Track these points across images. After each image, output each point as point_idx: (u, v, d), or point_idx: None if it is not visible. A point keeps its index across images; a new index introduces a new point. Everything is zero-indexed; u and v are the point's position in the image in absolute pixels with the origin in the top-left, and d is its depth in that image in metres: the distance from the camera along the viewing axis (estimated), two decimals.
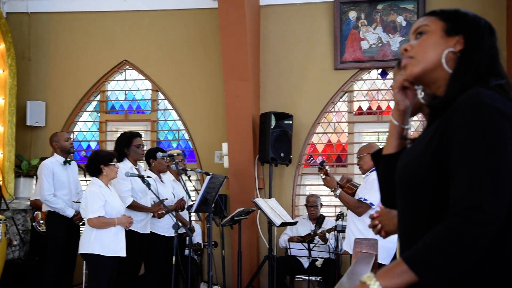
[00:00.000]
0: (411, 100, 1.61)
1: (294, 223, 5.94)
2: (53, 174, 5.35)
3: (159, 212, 5.20)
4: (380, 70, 6.67)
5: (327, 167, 4.66)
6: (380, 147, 5.49)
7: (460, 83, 1.45)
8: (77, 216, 5.31)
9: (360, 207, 4.53)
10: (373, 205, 4.49)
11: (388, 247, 3.81)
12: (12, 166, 6.62)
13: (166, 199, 5.12)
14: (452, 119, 1.37)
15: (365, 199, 4.50)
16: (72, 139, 6.03)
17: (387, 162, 1.67)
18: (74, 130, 7.29)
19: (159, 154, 5.24)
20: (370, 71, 6.68)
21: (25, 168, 6.76)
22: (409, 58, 1.53)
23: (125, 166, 5.08)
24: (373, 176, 4.58)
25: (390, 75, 6.56)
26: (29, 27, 7.17)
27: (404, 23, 6.46)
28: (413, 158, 1.47)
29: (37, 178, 5.95)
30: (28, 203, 6.38)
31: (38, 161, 6.61)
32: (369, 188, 4.51)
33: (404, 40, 6.44)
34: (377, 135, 6.70)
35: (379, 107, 6.66)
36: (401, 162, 1.53)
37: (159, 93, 7.13)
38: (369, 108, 6.71)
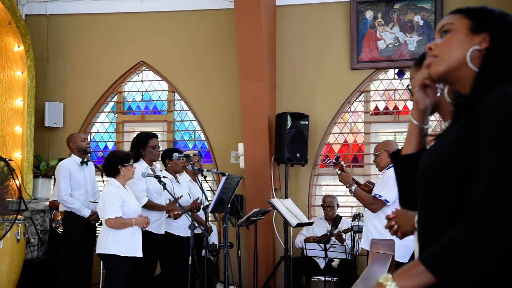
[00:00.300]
0: (431, 99, 1.58)
1: (310, 224, 5.93)
2: (70, 175, 5.40)
3: (175, 213, 5.22)
4: (397, 70, 6.63)
5: (342, 163, 4.63)
6: (397, 143, 5.39)
7: (485, 82, 1.42)
8: (93, 216, 5.36)
9: (374, 204, 4.51)
10: (388, 202, 4.47)
11: (406, 245, 3.78)
12: (31, 166, 6.70)
13: (181, 196, 5.13)
14: (479, 118, 1.34)
15: (380, 196, 4.48)
16: (89, 140, 6.07)
17: (406, 163, 1.64)
18: (91, 131, 7.35)
19: (175, 154, 5.26)
20: (387, 71, 6.64)
21: (44, 168, 6.84)
22: (433, 57, 1.50)
23: (141, 166, 5.11)
24: (389, 173, 4.56)
25: (407, 75, 6.51)
26: (48, 29, 7.25)
27: (421, 23, 6.41)
28: (436, 156, 1.45)
29: (55, 178, 6.01)
30: (47, 203, 6.44)
31: (56, 161, 6.67)
32: (384, 185, 4.50)
33: (421, 40, 6.39)
34: (394, 135, 6.64)
35: (395, 107, 6.61)
36: (423, 161, 1.51)
37: (176, 93, 7.16)
38: (386, 108, 6.67)
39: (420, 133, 1.62)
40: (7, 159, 5.30)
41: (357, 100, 6.72)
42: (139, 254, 4.67)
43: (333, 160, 4.69)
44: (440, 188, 1.41)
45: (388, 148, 4.69)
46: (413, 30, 6.44)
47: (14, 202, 5.70)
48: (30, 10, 7.28)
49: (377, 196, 4.51)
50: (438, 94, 1.55)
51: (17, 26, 6.59)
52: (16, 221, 5.21)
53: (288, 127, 6.20)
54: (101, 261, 5.01)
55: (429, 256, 1.29)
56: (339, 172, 4.60)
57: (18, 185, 5.40)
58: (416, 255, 1.59)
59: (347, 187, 4.63)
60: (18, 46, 6.68)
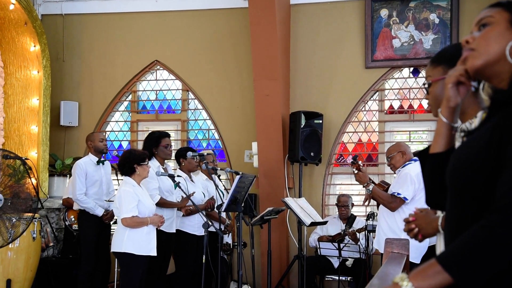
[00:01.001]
0: (463, 96, 1.53)
1: (324, 223, 5.91)
2: (86, 174, 5.44)
3: (186, 208, 5.24)
4: (412, 69, 6.58)
5: (360, 162, 4.63)
6: (407, 144, 5.31)
7: None
8: (107, 215, 5.39)
9: (393, 202, 4.49)
10: (407, 199, 4.45)
11: (419, 245, 3.75)
12: (46, 165, 6.75)
13: (194, 193, 5.14)
14: None
15: (398, 194, 4.46)
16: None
17: (434, 161, 1.61)
18: (106, 129, 7.39)
19: (189, 153, 5.27)
20: (401, 70, 6.60)
21: (59, 167, 6.89)
22: (470, 50, 1.46)
23: (153, 165, 5.11)
24: (405, 170, 4.54)
25: (422, 73, 6.47)
26: (63, 29, 7.30)
27: (437, 21, 6.35)
28: (468, 153, 1.40)
29: (70, 177, 6.06)
30: (61, 201, 6.49)
31: (71, 160, 6.73)
32: (401, 183, 4.48)
33: (437, 38, 6.34)
34: (409, 134, 6.60)
35: (410, 106, 6.57)
36: (454, 158, 1.47)
37: (190, 92, 7.17)
38: (401, 107, 6.62)
39: (449, 131, 1.58)
40: (23, 158, 5.35)
41: (372, 98, 6.68)
42: (154, 253, 4.68)
43: (351, 159, 4.69)
44: (471, 186, 1.37)
45: (401, 149, 4.68)
46: (428, 28, 6.39)
47: (30, 200, 5.75)
48: (46, 10, 7.33)
49: (395, 194, 4.48)
50: (473, 91, 1.51)
51: (33, 25, 6.65)
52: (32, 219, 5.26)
53: (302, 126, 6.19)
54: (116, 259, 5.04)
55: (446, 255, 1.27)
56: (356, 171, 4.59)
57: (34, 183, 5.45)
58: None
59: (364, 186, 4.62)
60: (34, 46, 6.74)
